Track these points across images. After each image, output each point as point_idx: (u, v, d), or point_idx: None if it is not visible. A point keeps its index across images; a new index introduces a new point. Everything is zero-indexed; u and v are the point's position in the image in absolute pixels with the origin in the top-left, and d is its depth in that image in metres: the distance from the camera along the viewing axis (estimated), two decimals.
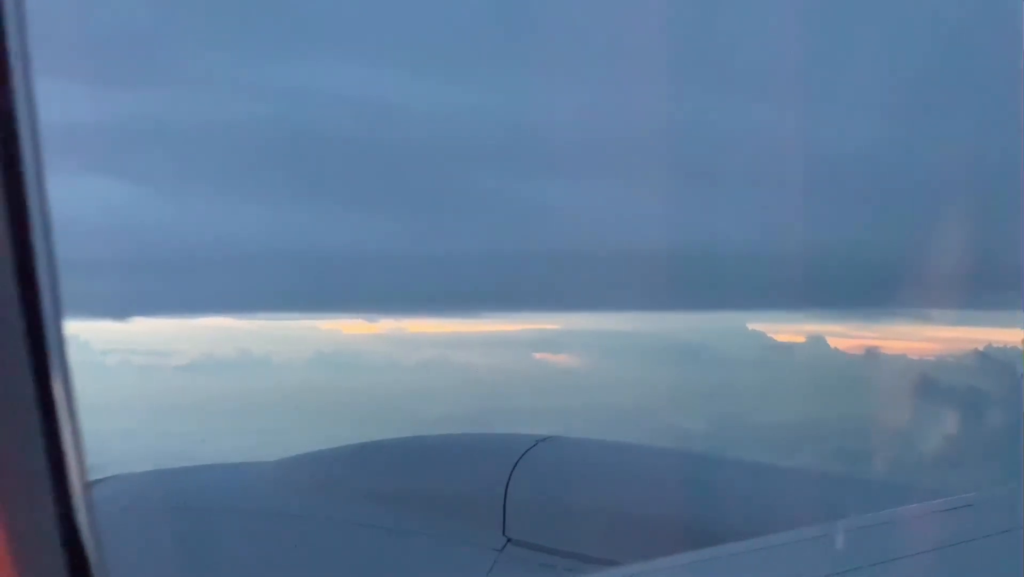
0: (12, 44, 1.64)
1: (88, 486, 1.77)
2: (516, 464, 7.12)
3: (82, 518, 1.73)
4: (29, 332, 1.65)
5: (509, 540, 6.97)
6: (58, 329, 1.70)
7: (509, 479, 7.07)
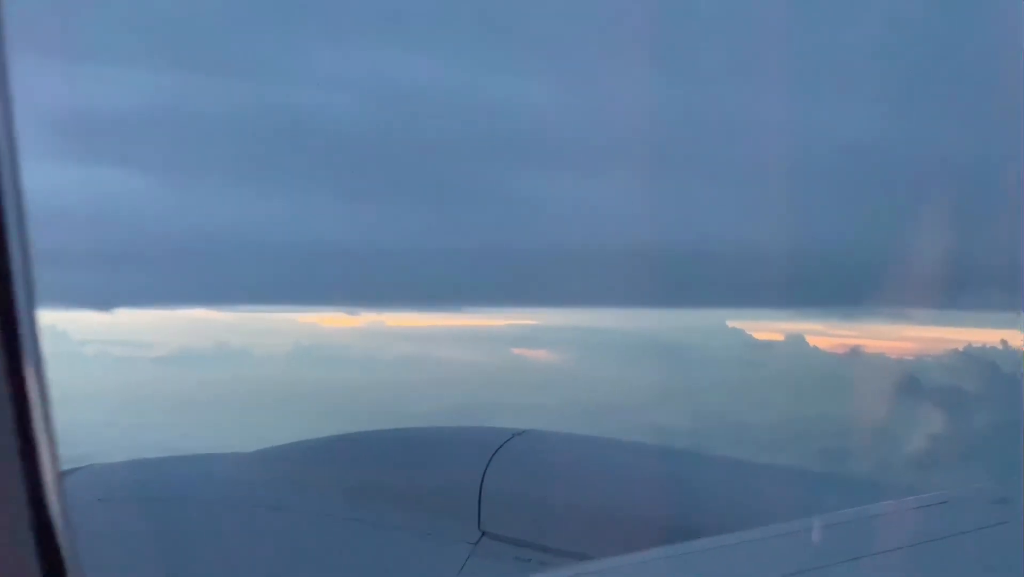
0: None
1: (60, 476, 1.77)
2: (491, 458, 7.12)
3: (54, 508, 1.73)
4: (1, 322, 1.65)
5: (484, 533, 6.97)
6: (31, 318, 1.70)
7: (484, 473, 7.07)
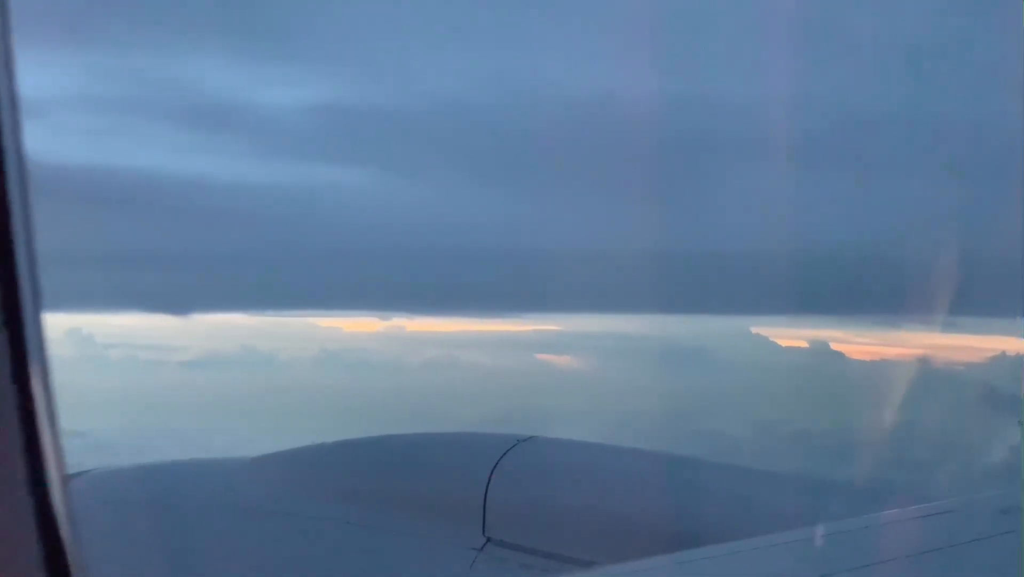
0: None
1: (66, 480, 1.77)
2: (496, 464, 7.12)
3: (60, 512, 1.73)
4: (8, 326, 1.65)
5: (489, 539, 6.97)
6: (37, 323, 1.70)
7: (489, 479, 7.07)
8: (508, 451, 7.22)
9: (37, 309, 1.69)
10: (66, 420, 1.77)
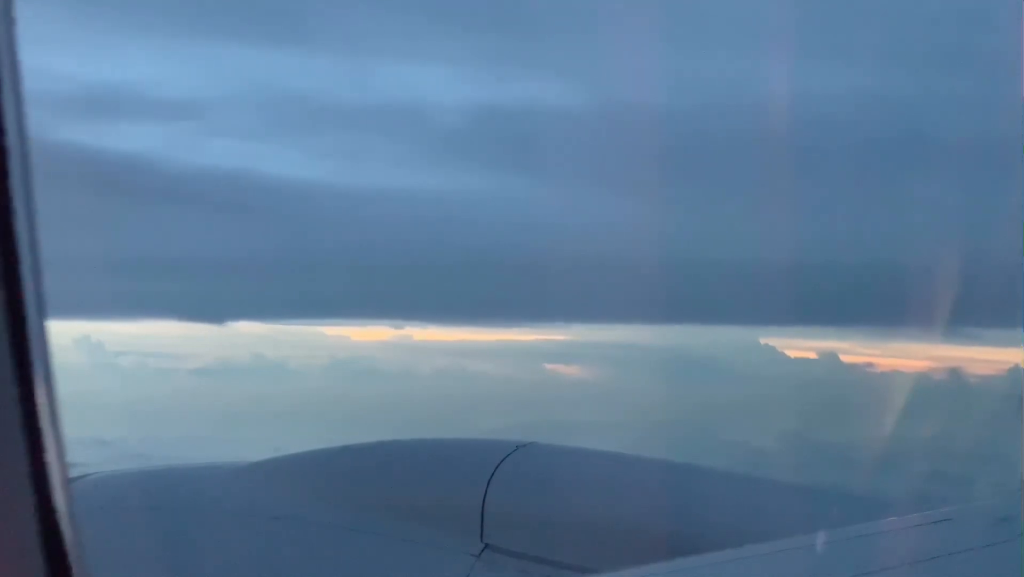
0: None
1: (68, 484, 1.77)
2: (495, 470, 7.13)
3: (62, 516, 1.73)
4: (11, 330, 1.65)
5: (487, 546, 6.97)
6: (40, 327, 1.70)
7: (488, 485, 7.07)
8: (506, 457, 7.23)
9: (40, 314, 1.69)
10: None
